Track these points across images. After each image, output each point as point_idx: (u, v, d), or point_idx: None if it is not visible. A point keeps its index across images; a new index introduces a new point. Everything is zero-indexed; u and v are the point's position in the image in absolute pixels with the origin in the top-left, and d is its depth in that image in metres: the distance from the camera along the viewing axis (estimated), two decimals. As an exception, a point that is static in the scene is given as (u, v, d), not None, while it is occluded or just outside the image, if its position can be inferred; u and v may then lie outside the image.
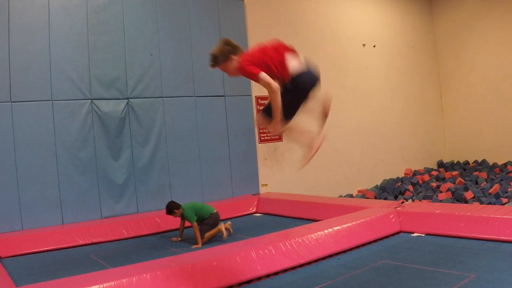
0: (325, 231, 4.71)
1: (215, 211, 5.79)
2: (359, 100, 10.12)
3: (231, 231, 5.90)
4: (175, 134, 7.26)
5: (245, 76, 3.09)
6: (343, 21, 9.98)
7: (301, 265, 4.33)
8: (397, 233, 5.35)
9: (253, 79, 3.04)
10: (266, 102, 3.25)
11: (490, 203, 7.04)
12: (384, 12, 10.93)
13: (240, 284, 3.92)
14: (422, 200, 7.98)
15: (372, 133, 10.25)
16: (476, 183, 9.17)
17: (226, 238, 5.58)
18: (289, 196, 7.60)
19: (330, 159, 9.37)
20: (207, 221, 5.67)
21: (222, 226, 5.68)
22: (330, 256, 4.59)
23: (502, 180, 8.92)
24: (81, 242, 5.81)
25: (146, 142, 7.03)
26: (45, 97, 6.24)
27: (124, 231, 6.16)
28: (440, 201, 7.69)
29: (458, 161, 11.42)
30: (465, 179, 9.47)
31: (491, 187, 8.08)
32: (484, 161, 10.87)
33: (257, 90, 8.43)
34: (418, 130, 11.37)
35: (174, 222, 6.56)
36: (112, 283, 3.35)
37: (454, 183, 9.21)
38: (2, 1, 5.97)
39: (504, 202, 6.97)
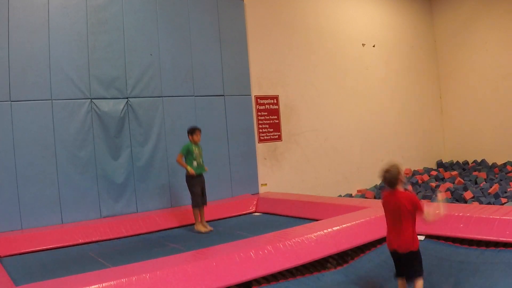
0: (325, 231, 4.71)
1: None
2: (359, 100, 10.12)
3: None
4: (174, 133, 7.25)
5: (408, 202, 3.42)
6: (343, 21, 9.98)
7: (300, 265, 4.32)
8: (397, 233, 5.34)
9: (416, 208, 3.42)
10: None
11: (489, 203, 7.04)
12: (384, 12, 10.93)
13: (239, 284, 3.92)
14: (422, 200, 7.98)
15: (372, 133, 10.26)
16: (476, 183, 9.17)
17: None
18: (288, 195, 7.60)
19: (329, 159, 9.38)
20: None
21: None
22: (330, 256, 4.58)
23: (501, 180, 8.93)
24: (80, 241, 5.81)
25: (146, 141, 7.02)
26: (44, 96, 6.24)
27: (123, 230, 6.17)
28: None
29: (457, 161, 11.43)
30: (465, 179, 9.48)
31: (491, 187, 8.09)
32: (483, 161, 10.87)
33: (257, 90, 8.43)
34: (418, 130, 11.37)
35: (173, 221, 6.57)
36: (112, 282, 3.35)
37: (453, 183, 9.22)
38: (1, 0, 5.97)
39: (503, 202, 6.97)
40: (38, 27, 6.22)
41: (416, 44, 11.55)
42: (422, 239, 5.11)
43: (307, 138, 9.08)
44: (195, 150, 6.17)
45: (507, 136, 10.61)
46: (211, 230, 6.16)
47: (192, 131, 6.20)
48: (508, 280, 3.76)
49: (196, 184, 6.13)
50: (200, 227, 6.15)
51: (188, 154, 6.13)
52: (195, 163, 6.15)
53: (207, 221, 6.42)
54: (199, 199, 6.13)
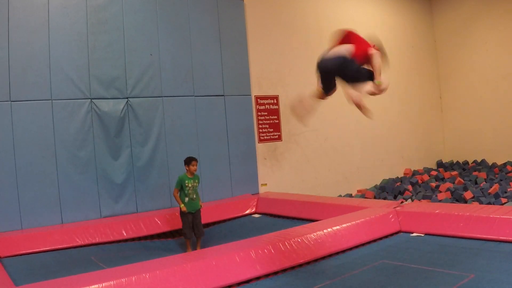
0: (324, 231, 4.72)
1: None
2: (359, 100, 10.11)
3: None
4: (174, 133, 7.25)
5: None
6: (343, 21, 9.96)
7: (300, 265, 4.33)
8: (397, 233, 5.36)
9: None
10: None
11: (489, 203, 7.05)
12: (384, 12, 10.93)
13: (239, 283, 3.93)
14: (422, 200, 7.98)
15: (372, 133, 10.26)
16: (476, 183, 9.17)
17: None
18: (288, 196, 7.60)
19: (329, 159, 9.37)
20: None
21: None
22: (330, 256, 4.59)
23: (501, 180, 8.93)
24: (80, 242, 5.80)
25: (146, 141, 7.02)
26: (44, 96, 6.23)
27: (123, 231, 6.16)
28: (440, 201, 7.70)
29: (457, 161, 11.43)
30: (465, 179, 9.48)
31: (491, 187, 8.09)
32: (483, 161, 10.87)
33: (257, 90, 8.43)
34: (418, 130, 11.37)
35: (173, 222, 6.56)
36: (112, 282, 3.35)
37: (453, 183, 9.22)
38: (1, 0, 5.97)
39: (503, 202, 6.97)
40: (38, 27, 6.22)
41: (416, 44, 11.55)
42: (422, 235, 5.13)
43: (307, 138, 9.08)
44: (188, 184, 5.77)
45: (507, 136, 10.61)
46: None
47: (188, 161, 5.84)
48: (509, 264, 3.86)
49: (185, 216, 5.80)
50: None
51: (181, 189, 5.82)
52: (186, 199, 5.78)
53: (207, 223, 6.41)
54: (187, 231, 5.78)
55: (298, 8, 9.17)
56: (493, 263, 3.95)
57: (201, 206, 5.92)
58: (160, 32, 7.25)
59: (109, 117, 6.69)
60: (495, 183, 8.52)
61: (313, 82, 10.11)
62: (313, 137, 9.18)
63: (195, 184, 5.85)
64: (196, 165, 5.86)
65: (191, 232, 5.78)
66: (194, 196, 5.83)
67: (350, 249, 4.80)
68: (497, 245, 4.47)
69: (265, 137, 8.46)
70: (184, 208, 5.73)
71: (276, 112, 8.65)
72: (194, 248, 5.81)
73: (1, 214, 5.82)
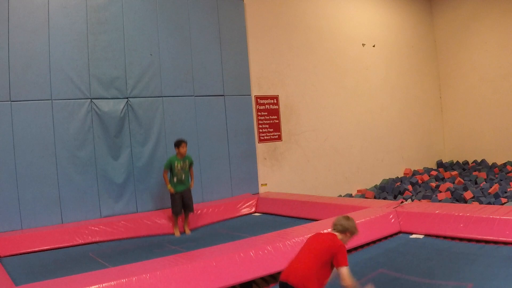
0: (325, 231, 4.70)
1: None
2: (359, 100, 10.12)
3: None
4: (174, 133, 7.25)
5: (336, 251, 3.07)
6: (343, 21, 9.98)
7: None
8: (397, 233, 5.35)
9: (338, 261, 3.03)
10: None
11: (489, 203, 7.05)
12: (384, 12, 10.92)
13: (240, 284, 3.92)
14: (422, 200, 7.98)
15: (372, 133, 10.26)
16: (476, 183, 9.17)
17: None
18: (288, 195, 7.60)
19: (329, 159, 9.38)
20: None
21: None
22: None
23: (501, 180, 8.93)
24: (80, 241, 5.81)
25: (146, 141, 7.03)
26: (44, 96, 6.24)
27: (123, 230, 6.16)
28: (440, 201, 7.70)
29: (457, 161, 11.43)
30: (465, 179, 9.48)
31: (491, 187, 8.09)
32: (483, 161, 10.87)
33: (257, 90, 8.43)
34: (418, 130, 11.37)
35: (173, 221, 6.56)
36: (112, 283, 3.35)
37: (453, 183, 9.22)
38: (1, 0, 5.97)
39: (503, 202, 6.97)
40: (38, 27, 6.22)
41: (416, 44, 11.55)
42: (421, 237, 5.12)
43: (307, 138, 9.08)
44: (177, 165, 6.25)
45: (507, 136, 10.61)
46: (187, 234, 6.27)
47: (178, 143, 6.29)
48: (507, 270, 3.80)
49: (172, 196, 6.28)
50: (175, 231, 6.29)
51: (170, 169, 6.29)
52: (175, 179, 6.27)
53: (207, 224, 6.41)
54: (175, 208, 6.26)
55: (298, 8, 9.17)
56: (491, 269, 3.87)
57: (191, 186, 6.39)
58: (160, 32, 7.25)
59: (109, 117, 6.69)
60: (495, 183, 8.52)
61: (313, 82, 10.18)
62: (313, 137, 9.18)
63: (185, 165, 6.29)
64: (185, 147, 6.31)
65: (178, 210, 6.25)
66: (183, 177, 6.27)
67: (349, 251, 4.78)
68: (496, 248, 4.42)
69: (265, 137, 8.46)
70: (171, 190, 6.20)
71: (276, 112, 8.65)
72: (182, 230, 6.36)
73: (1, 214, 5.83)
